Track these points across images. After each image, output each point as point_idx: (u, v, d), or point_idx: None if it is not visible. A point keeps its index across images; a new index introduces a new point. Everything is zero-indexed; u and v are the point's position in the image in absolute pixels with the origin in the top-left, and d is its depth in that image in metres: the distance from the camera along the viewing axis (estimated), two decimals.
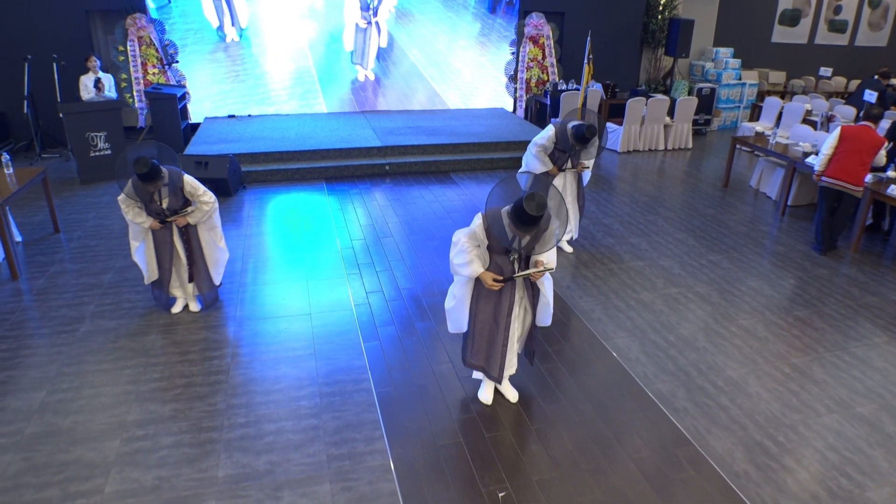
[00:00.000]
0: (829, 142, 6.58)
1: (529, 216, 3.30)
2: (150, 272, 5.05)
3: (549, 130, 6.02)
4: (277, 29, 10.89)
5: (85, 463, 3.54)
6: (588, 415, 4.07)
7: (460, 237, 3.73)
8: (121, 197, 4.69)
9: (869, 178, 6.61)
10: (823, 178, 6.64)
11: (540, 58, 12.08)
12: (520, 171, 6.45)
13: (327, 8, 11.01)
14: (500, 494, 3.40)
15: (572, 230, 6.56)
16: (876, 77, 11.00)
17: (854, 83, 14.18)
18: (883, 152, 6.49)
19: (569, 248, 6.61)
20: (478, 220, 3.70)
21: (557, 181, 6.20)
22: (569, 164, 6.15)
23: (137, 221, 4.76)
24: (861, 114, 6.72)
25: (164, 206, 4.74)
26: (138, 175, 4.39)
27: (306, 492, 3.37)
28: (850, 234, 6.97)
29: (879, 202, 7.01)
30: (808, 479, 3.57)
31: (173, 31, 10.38)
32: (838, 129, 6.56)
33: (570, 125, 5.85)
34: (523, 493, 3.41)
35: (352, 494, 3.36)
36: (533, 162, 6.18)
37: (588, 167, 6.23)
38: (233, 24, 10.62)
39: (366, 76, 11.51)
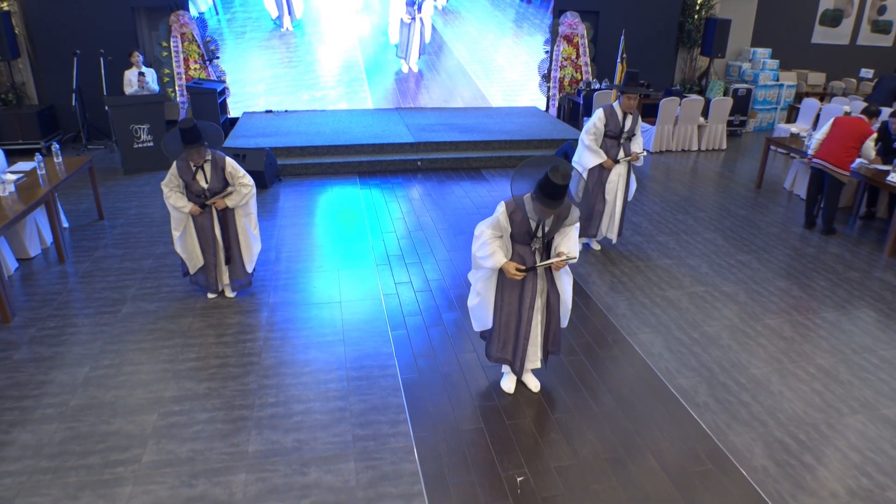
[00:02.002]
0: (823, 128, 7.18)
1: (556, 186, 3.35)
2: (193, 261, 5.22)
3: (598, 112, 6.01)
4: (330, 21, 11.27)
5: (124, 434, 3.74)
6: (609, 406, 4.13)
7: (483, 229, 3.83)
8: (164, 181, 4.91)
9: None
10: (814, 160, 7.18)
11: (574, 57, 12.08)
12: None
13: (380, 3, 11.33)
14: (519, 479, 3.49)
15: (606, 232, 6.44)
16: (894, 75, 11.15)
17: None
18: (871, 144, 6.88)
19: (596, 246, 6.64)
20: (501, 208, 3.80)
21: (612, 176, 6.15)
22: (622, 154, 6.08)
23: (179, 206, 4.96)
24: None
25: (206, 186, 4.94)
26: (182, 131, 4.60)
27: (332, 469, 3.51)
28: (886, 238, 6.87)
29: None
30: (828, 476, 3.58)
31: (234, 19, 10.83)
32: (832, 118, 7.15)
33: (615, 104, 5.97)
34: (541, 479, 3.50)
35: (375, 473, 3.49)
36: (585, 154, 6.09)
37: (641, 154, 6.09)
38: (289, 14, 11.02)
39: (409, 68, 11.72)
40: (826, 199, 7.19)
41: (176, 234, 5.13)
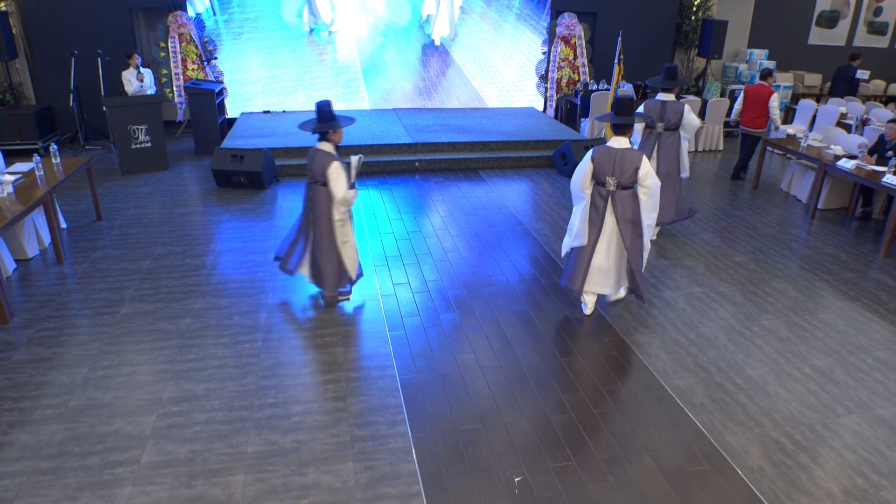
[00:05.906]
0: (740, 99, 8.95)
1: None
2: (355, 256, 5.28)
3: (686, 106, 6.64)
4: (327, 21, 11.32)
5: (123, 435, 3.75)
6: (605, 406, 4.15)
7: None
8: (344, 191, 4.87)
9: None
10: (741, 126, 9.00)
11: (571, 58, 12.11)
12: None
13: (378, 4, 11.39)
14: (517, 479, 3.51)
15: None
16: (849, 64, 11.89)
17: (894, 86, 13.95)
18: (775, 104, 8.53)
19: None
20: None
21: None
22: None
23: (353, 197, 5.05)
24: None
25: None
26: (324, 110, 5.23)
27: (330, 469, 3.52)
28: (881, 239, 6.90)
29: None
30: (823, 476, 3.61)
31: (231, 20, 10.86)
32: (743, 89, 8.96)
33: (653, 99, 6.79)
34: (539, 479, 3.51)
35: (373, 473, 3.51)
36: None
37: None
38: (304, 15, 11.20)
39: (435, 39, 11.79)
40: (744, 153, 9.01)
41: (348, 240, 5.10)
